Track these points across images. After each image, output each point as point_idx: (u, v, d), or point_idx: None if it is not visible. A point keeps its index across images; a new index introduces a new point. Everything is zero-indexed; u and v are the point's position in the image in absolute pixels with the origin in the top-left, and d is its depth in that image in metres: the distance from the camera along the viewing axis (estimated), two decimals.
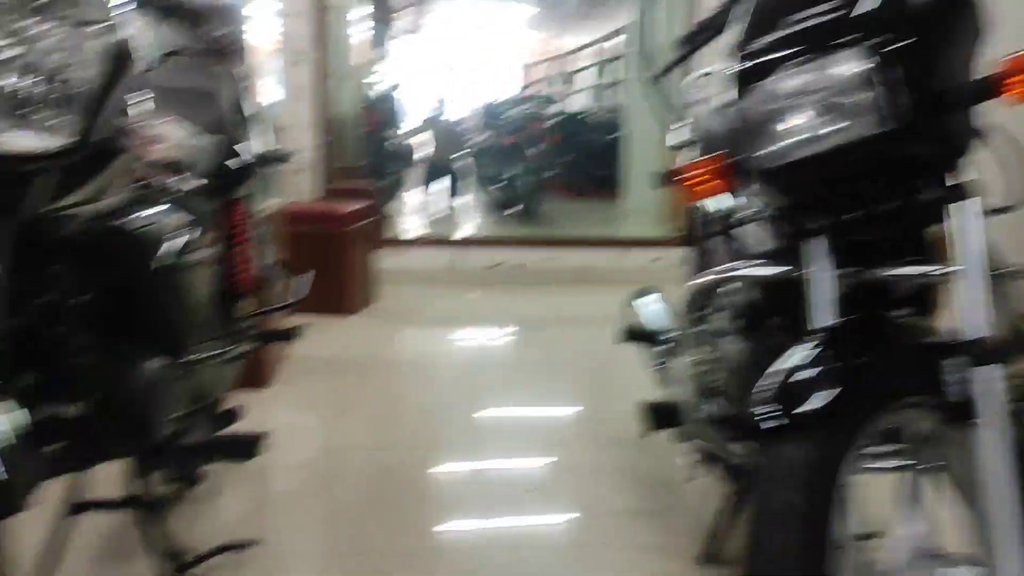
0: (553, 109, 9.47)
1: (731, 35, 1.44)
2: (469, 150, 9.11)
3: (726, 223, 1.73)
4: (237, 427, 1.92)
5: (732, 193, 1.44)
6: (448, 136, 9.01)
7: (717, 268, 1.35)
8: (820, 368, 1.01)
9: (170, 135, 1.17)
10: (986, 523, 0.96)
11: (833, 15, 1.05)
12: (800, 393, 0.98)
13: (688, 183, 1.28)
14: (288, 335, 2.15)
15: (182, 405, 1.70)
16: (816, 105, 1.05)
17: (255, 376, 2.90)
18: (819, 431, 0.95)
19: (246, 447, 1.57)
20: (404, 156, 8.47)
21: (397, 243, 5.10)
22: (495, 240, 5.22)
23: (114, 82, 1.00)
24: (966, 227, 1.06)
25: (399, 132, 8.18)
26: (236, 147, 1.96)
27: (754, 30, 1.16)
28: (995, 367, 0.99)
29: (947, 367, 1.01)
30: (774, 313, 1.42)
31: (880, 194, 1.11)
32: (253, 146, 2.05)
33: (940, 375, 1.01)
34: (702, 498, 2.07)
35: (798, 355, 1.03)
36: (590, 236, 5.15)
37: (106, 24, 1.00)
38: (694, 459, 1.68)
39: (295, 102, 4.69)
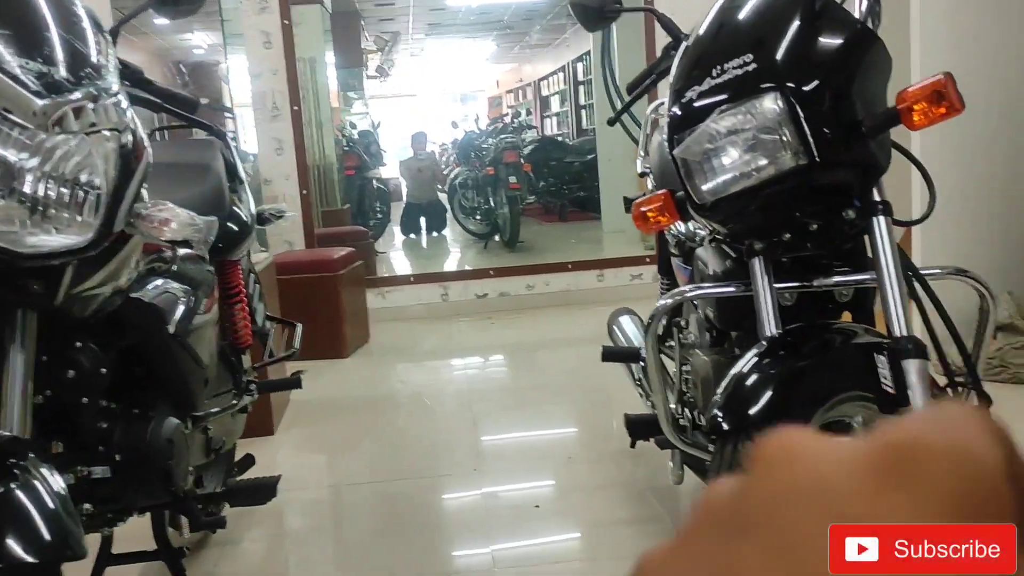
0: (528, 136, 9.66)
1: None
2: (448, 184, 9.28)
3: (686, 247, 1.88)
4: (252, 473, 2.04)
5: (684, 221, 1.59)
6: (426, 172, 9.18)
7: (676, 290, 1.50)
8: (764, 374, 1.15)
9: (177, 216, 1.30)
10: None
11: (752, 65, 1.19)
12: (747, 397, 1.12)
13: (639, 216, 1.43)
14: (292, 383, 2.27)
15: (199, 456, 1.83)
16: (744, 144, 1.20)
17: (261, 424, 3.02)
18: (765, 430, 1.08)
19: (265, 491, 1.69)
20: (385, 195, 8.63)
21: (386, 282, 5.23)
22: (478, 272, 5.36)
23: (129, 178, 1.14)
24: (884, 239, 1.20)
25: (379, 172, 8.33)
26: (234, 210, 2.09)
27: (686, 78, 1.31)
28: (919, 360, 1.13)
29: (879, 363, 1.15)
30: (733, 327, 1.56)
31: (809, 216, 1.25)
32: (249, 208, 2.19)
33: (873, 371, 1.15)
34: (691, 501, 2.20)
35: (746, 364, 1.17)
36: (568, 260, 5.29)
37: (118, 127, 1.14)
38: (678, 465, 1.81)
39: (277, 155, 4.84)
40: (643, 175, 2.35)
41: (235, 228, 2.04)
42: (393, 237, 9.37)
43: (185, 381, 1.68)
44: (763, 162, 1.19)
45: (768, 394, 1.11)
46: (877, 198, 1.22)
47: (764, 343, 1.21)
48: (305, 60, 6.01)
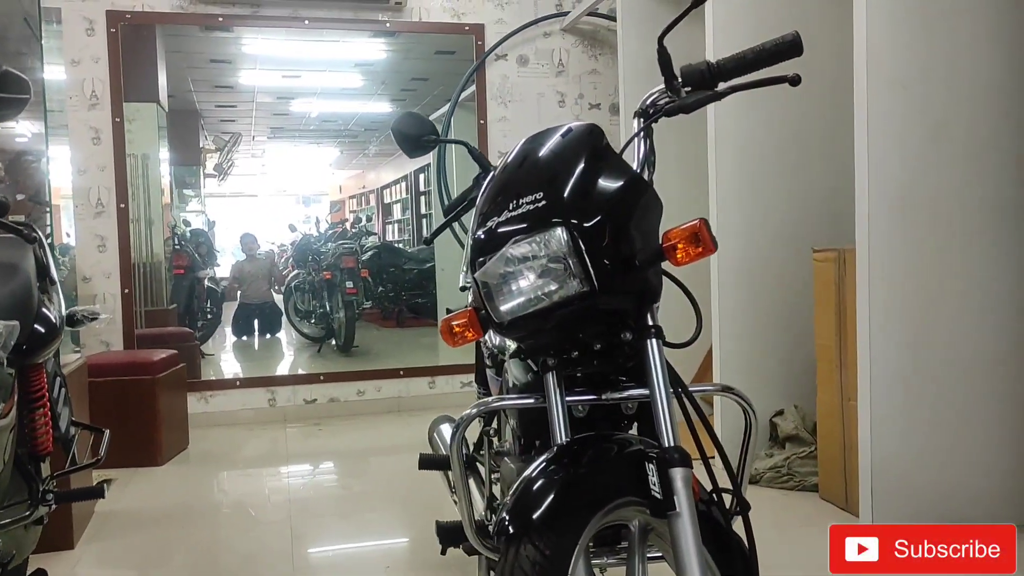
0: (368, 242, 9.75)
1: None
2: (284, 286, 9.18)
3: (498, 359, 2.00)
4: None
5: (492, 337, 1.70)
6: (261, 273, 9.06)
7: (480, 400, 1.59)
8: (548, 479, 1.25)
9: None
10: None
11: (543, 202, 1.34)
12: (532, 502, 1.22)
13: (446, 329, 1.53)
14: (93, 493, 2.18)
15: None
16: (536, 271, 1.34)
17: (60, 537, 2.84)
18: (546, 533, 1.18)
19: None
20: (217, 296, 8.42)
21: (209, 386, 5.07)
22: (308, 376, 5.32)
23: None
24: (655, 360, 1.35)
25: (211, 273, 8.15)
26: (42, 312, 2.03)
27: (490, 206, 1.44)
28: (683, 469, 1.26)
29: (649, 471, 1.27)
30: (534, 436, 1.67)
31: (592, 336, 1.40)
32: (59, 309, 2.13)
33: (644, 478, 1.27)
34: None
35: (534, 470, 1.28)
36: (400, 367, 5.34)
37: None
38: (484, 571, 1.86)
39: (99, 252, 4.68)
40: (464, 289, 2.48)
41: (42, 331, 1.99)
42: (225, 339, 9.09)
43: None
44: (552, 287, 1.32)
45: (550, 498, 1.21)
46: (651, 323, 1.38)
47: (552, 451, 1.32)
48: (137, 156, 5.90)
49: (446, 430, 2.53)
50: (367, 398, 5.18)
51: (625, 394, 1.47)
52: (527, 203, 1.36)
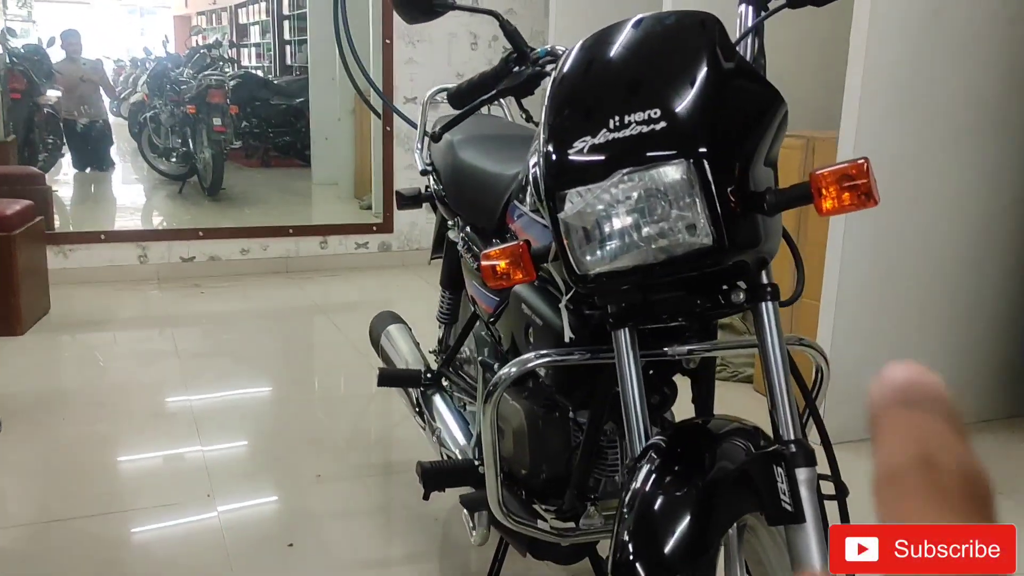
0: (231, 70, 8.79)
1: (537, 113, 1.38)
2: (130, 113, 8.18)
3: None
4: None
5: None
6: (88, 83, 7.87)
7: (521, 359, 1.29)
8: (670, 496, 0.98)
9: None
10: None
11: (661, 123, 1.01)
12: (658, 530, 0.96)
13: (488, 270, 1.20)
14: None
15: None
16: (642, 215, 1.02)
17: None
18: (684, 566, 0.93)
19: None
20: (56, 123, 7.38)
21: (70, 239, 4.44)
22: (185, 232, 4.75)
23: None
24: (772, 326, 1.09)
25: (54, 97, 7.07)
26: None
27: (564, 118, 1.09)
28: (808, 469, 1.03)
29: (778, 476, 1.03)
30: (566, 392, 1.39)
31: (699, 296, 1.11)
32: None
33: (771, 484, 1.03)
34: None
35: (644, 480, 1.00)
36: (287, 225, 4.86)
37: None
38: (485, 524, 1.62)
39: None
40: (425, 172, 2.09)
41: None
42: (60, 169, 8.08)
43: None
44: (662, 238, 1.02)
45: (684, 524, 0.95)
46: (765, 281, 1.11)
47: (655, 456, 1.04)
48: None
49: (398, 335, 2.20)
50: (252, 257, 4.70)
51: (697, 346, 1.23)
52: (639, 123, 1.02)
